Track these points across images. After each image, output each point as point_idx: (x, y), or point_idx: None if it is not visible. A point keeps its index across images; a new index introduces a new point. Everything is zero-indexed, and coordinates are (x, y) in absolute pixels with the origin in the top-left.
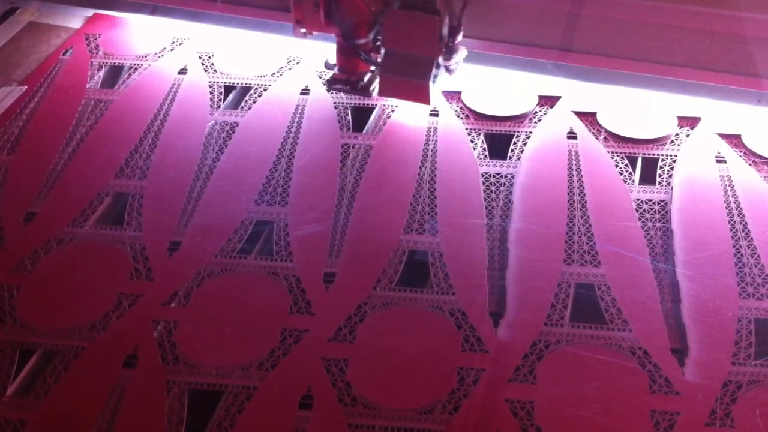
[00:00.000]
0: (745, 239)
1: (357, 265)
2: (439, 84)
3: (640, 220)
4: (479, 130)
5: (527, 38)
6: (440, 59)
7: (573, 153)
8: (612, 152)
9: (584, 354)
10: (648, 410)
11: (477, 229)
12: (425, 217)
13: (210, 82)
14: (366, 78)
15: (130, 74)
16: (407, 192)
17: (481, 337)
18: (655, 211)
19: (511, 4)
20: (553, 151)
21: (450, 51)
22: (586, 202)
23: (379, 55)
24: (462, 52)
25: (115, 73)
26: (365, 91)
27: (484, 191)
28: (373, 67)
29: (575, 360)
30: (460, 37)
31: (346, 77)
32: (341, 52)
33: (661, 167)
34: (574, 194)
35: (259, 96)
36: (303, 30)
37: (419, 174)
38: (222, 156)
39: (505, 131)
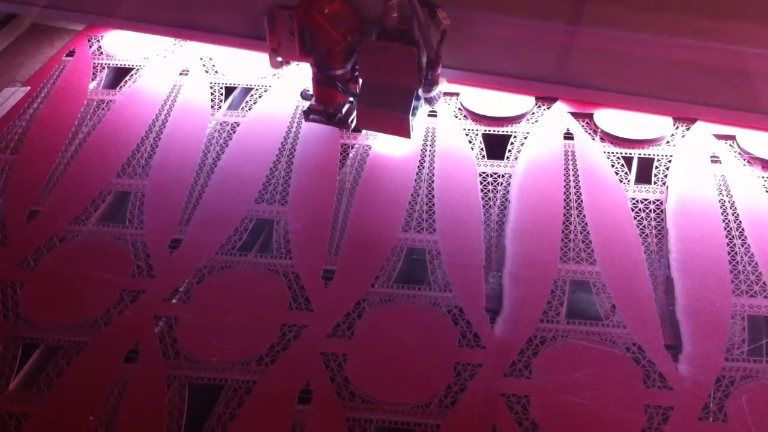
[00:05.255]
0: (739, 238)
1: (356, 263)
2: (420, 116)
3: (635, 219)
4: (477, 130)
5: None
6: (420, 91)
7: (569, 153)
8: (608, 152)
9: (579, 350)
10: (642, 405)
11: (474, 227)
12: (424, 216)
13: (211, 83)
14: (344, 109)
15: (132, 75)
16: (406, 191)
17: (478, 333)
18: (650, 211)
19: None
20: (550, 151)
21: (430, 83)
22: (582, 201)
23: (357, 86)
24: (442, 84)
25: (117, 74)
26: (343, 124)
27: (482, 191)
28: (351, 99)
29: (570, 356)
30: (439, 70)
31: (323, 108)
32: (317, 82)
33: (656, 167)
34: (570, 194)
35: (260, 97)
36: (279, 59)
37: (417, 173)
38: (223, 156)
39: (503, 131)
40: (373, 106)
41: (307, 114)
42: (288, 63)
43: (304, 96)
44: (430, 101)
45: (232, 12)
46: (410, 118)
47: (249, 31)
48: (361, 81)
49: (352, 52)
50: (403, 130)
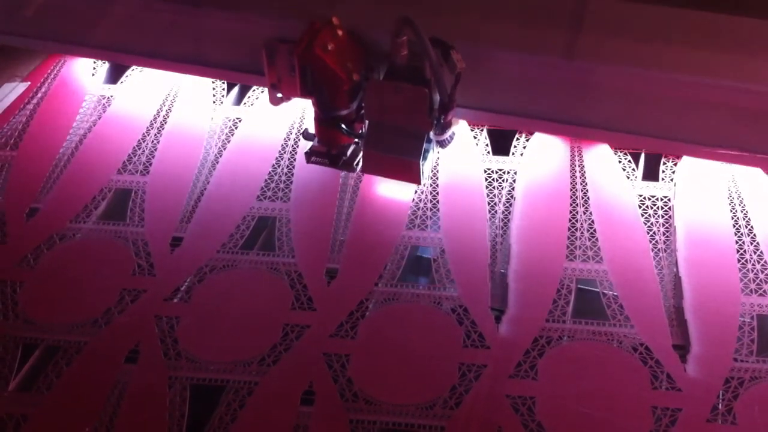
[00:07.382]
0: (749, 235)
1: (359, 261)
2: (430, 160)
3: (642, 216)
4: (482, 125)
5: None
6: (431, 134)
7: (576, 149)
8: (615, 148)
9: (586, 350)
10: (649, 406)
11: (479, 225)
12: (428, 213)
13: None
14: (349, 151)
15: (133, 70)
16: (409, 188)
17: (483, 333)
18: (657, 207)
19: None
20: (556, 146)
21: (442, 126)
22: (588, 198)
23: (362, 126)
24: (456, 125)
25: (118, 69)
26: (348, 167)
27: (487, 187)
28: (357, 139)
29: (577, 356)
30: (452, 114)
31: (326, 150)
32: (320, 122)
33: (664, 163)
34: (576, 190)
35: (262, 92)
36: (279, 95)
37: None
38: (224, 152)
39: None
40: (381, 150)
41: (309, 156)
42: (288, 99)
43: (306, 136)
44: (442, 144)
45: (230, 45)
46: (421, 162)
47: (248, 66)
48: (367, 122)
49: (358, 90)
50: (413, 176)
